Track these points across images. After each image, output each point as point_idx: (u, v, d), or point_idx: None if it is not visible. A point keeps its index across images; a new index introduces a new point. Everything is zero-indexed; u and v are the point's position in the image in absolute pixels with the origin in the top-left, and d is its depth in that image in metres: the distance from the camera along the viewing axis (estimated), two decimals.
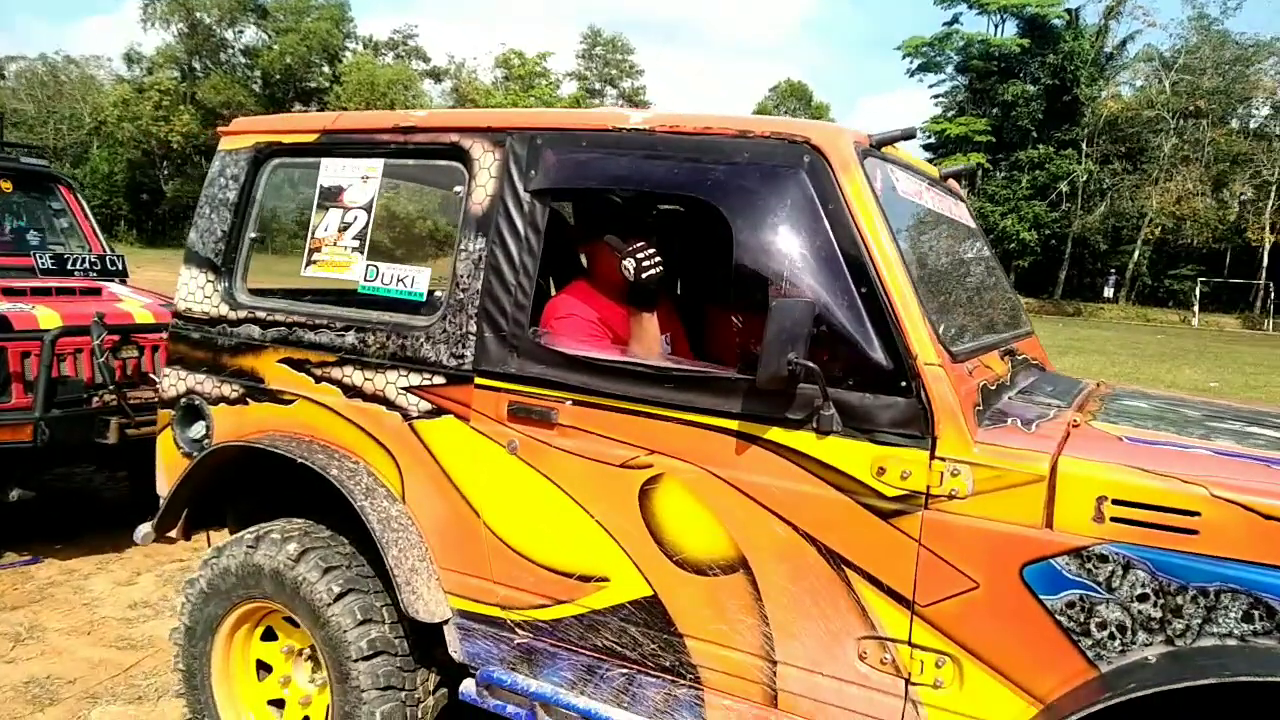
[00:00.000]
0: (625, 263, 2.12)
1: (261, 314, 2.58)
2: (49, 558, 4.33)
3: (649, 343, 2.19)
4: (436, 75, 50.13)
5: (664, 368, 1.97)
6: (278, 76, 44.24)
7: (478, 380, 2.19)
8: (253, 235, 2.69)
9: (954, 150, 39.56)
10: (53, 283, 4.52)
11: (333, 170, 2.54)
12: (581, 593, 2.08)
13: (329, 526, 2.49)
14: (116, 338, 4.07)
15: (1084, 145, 40.08)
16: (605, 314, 2.34)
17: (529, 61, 48.16)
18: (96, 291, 4.59)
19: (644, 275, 2.10)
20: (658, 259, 2.12)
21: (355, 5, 47.40)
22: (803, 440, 1.80)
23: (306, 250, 2.55)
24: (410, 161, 2.46)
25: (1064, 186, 39.58)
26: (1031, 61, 40.60)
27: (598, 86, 55.21)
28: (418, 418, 2.28)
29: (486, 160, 2.26)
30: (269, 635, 2.61)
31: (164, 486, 2.81)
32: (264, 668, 2.62)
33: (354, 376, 2.39)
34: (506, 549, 2.17)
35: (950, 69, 44.26)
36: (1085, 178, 39.49)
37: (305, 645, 2.55)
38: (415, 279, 2.39)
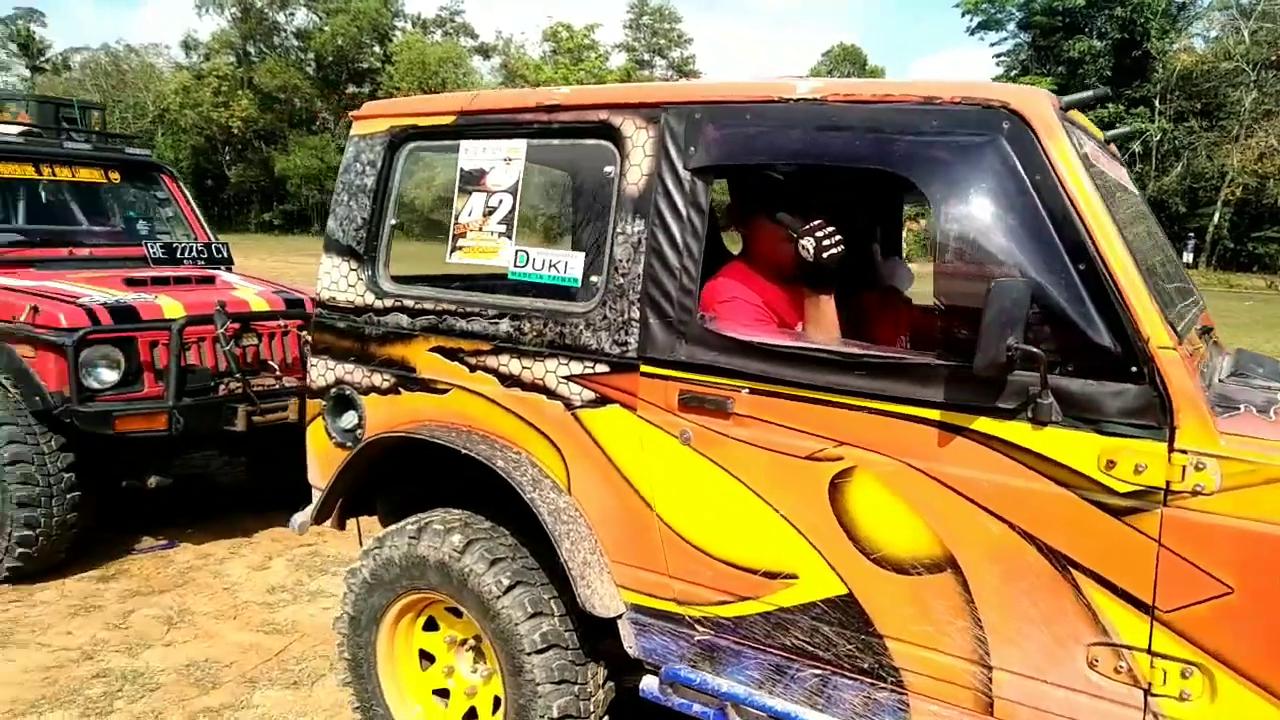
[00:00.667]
0: (804, 242, 2.03)
1: (409, 302, 2.56)
2: (183, 542, 4.45)
3: (827, 326, 2.11)
4: (485, 51, 50.09)
5: (853, 353, 1.89)
6: (330, 58, 44.63)
7: (644, 368, 2.14)
8: (393, 221, 2.66)
9: None
10: (169, 272, 4.60)
11: (473, 153, 2.49)
12: (767, 590, 2.02)
13: (487, 517, 2.48)
14: (237, 326, 4.12)
15: (1156, 103, 38.30)
16: (767, 296, 2.26)
17: (577, 34, 47.78)
18: (210, 280, 4.67)
19: (825, 255, 2.02)
20: (838, 237, 2.03)
21: None
22: (1016, 431, 1.70)
23: (450, 236, 2.52)
24: (555, 141, 2.39)
25: (1136, 147, 37.93)
26: (1098, 15, 38.82)
27: (646, 57, 54.59)
28: (581, 407, 2.24)
29: (640, 138, 2.18)
30: (430, 625, 2.62)
31: (316, 476, 2.83)
32: (426, 657, 2.64)
33: (511, 365, 2.36)
34: (683, 543, 2.12)
35: (1012, 26, 42.64)
36: (1159, 137, 37.76)
37: (468, 636, 2.55)
38: (568, 264, 2.33)
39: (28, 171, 4.74)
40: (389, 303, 2.60)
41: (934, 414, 1.78)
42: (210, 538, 4.53)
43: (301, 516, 2.87)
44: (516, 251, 2.40)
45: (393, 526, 2.56)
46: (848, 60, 54.86)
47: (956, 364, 1.73)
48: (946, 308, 1.77)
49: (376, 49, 46.00)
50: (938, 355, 1.77)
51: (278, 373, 4.34)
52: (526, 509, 2.34)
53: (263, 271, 5.44)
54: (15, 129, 4.96)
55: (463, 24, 49.39)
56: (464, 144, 2.51)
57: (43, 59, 46.56)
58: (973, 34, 43.06)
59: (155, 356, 3.98)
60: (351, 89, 45.09)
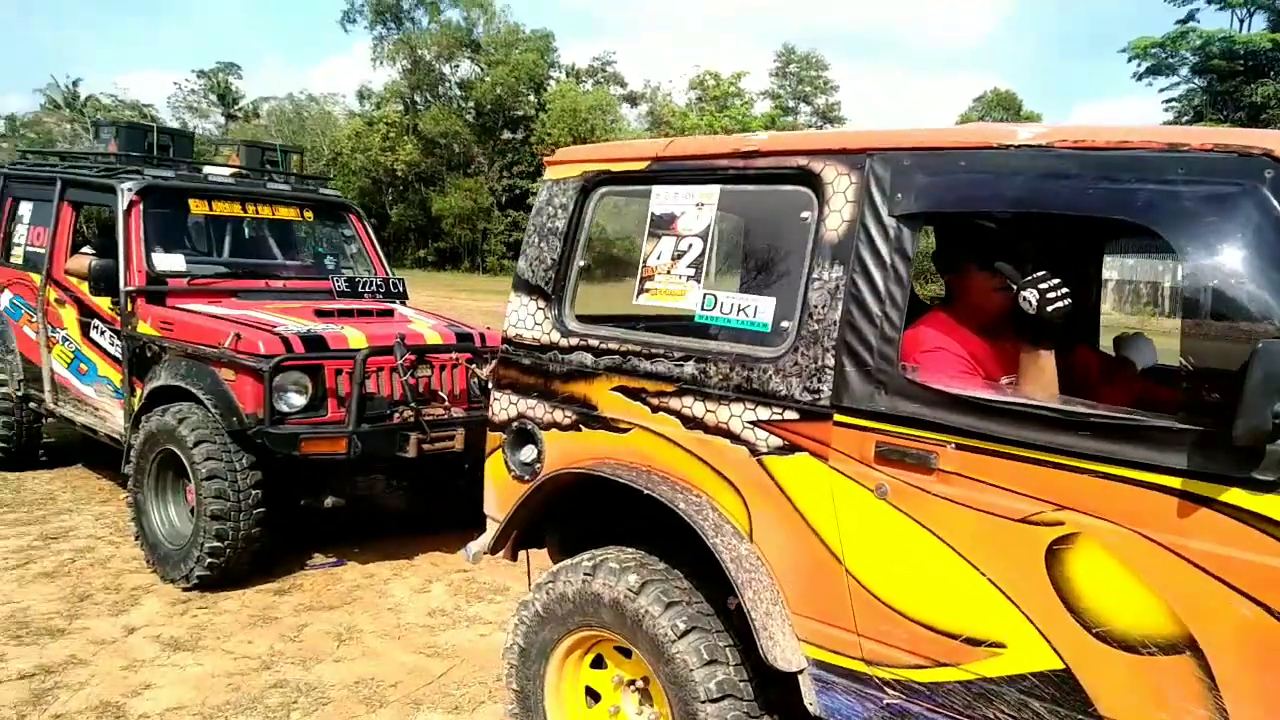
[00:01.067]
0: (1025, 294, 1.93)
1: (594, 341, 2.60)
2: (350, 561, 4.66)
3: (1046, 383, 1.99)
4: (633, 99, 51.47)
5: (1080, 412, 1.76)
6: (489, 106, 46.98)
7: (837, 417, 2.07)
8: (581, 263, 2.72)
9: None
10: (353, 305, 4.89)
11: (665, 198, 2.52)
12: (969, 657, 1.90)
13: (660, 558, 2.46)
14: (413, 357, 4.31)
15: None
16: (971, 348, 2.15)
17: (723, 82, 48.43)
18: (389, 313, 4.93)
19: (1049, 308, 1.90)
20: (1064, 290, 1.92)
21: (558, 35, 49.61)
22: (1274, 505, 1.53)
23: (638, 278, 2.55)
24: (750, 187, 2.39)
25: None
26: None
27: (791, 104, 54.67)
28: (767, 453, 2.19)
29: (841, 184, 2.14)
30: (597, 663, 2.61)
31: (493, 506, 2.90)
32: (592, 695, 2.63)
33: (695, 407, 2.34)
34: (875, 601, 2.03)
35: (1185, 70, 40.14)
36: None
37: (636, 676, 2.53)
38: (758, 308, 2.31)
39: (235, 209, 5.18)
40: (574, 341, 2.64)
41: (1174, 482, 1.63)
42: (375, 558, 4.72)
43: (476, 546, 2.94)
44: (705, 295, 2.39)
45: (567, 562, 2.58)
46: (1001, 106, 53.03)
47: (1204, 429, 1.58)
48: (1195, 368, 1.62)
49: (531, 97, 48.07)
50: (1181, 418, 1.63)
51: (446, 403, 4.51)
52: (701, 553, 2.31)
53: (421, 305, 5.71)
54: (227, 170, 5.44)
55: (613, 73, 50.99)
56: (656, 189, 2.54)
57: (236, 107, 51.32)
58: (1140, 79, 40.82)
59: (339, 384, 4.21)
60: (506, 134, 47.24)
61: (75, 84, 48.01)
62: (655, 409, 2.43)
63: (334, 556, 4.70)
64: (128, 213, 4.64)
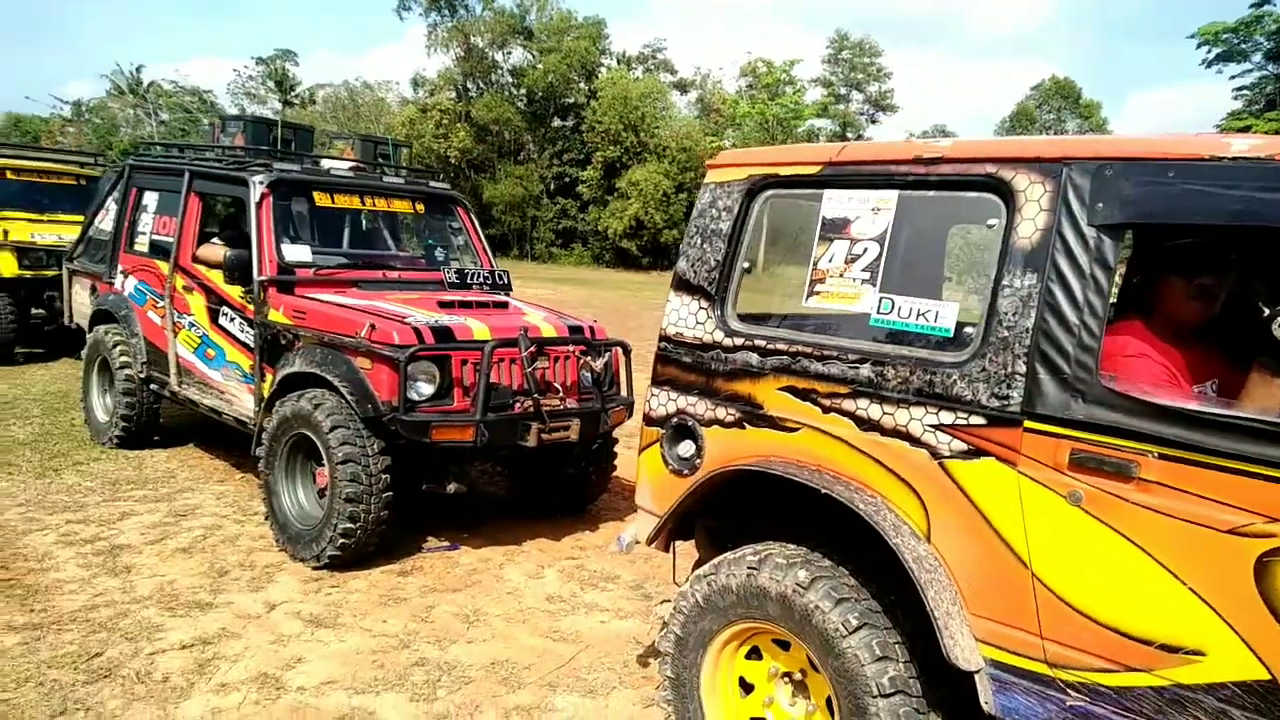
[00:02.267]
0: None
1: (760, 342, 2.66)
2: (463, 545, 4.80)
3: (1276, 405, 2.00)
4: (682, 87, 51.27)
5: None
6: (540, 94, 47.17)
7: (1028, 424, 2.12)
8: (745, 265, 2.79)
9: None
10: (472, 296, 5.02)
11: (837, 202, 2.57)
12: (1163, 663, 1.94)
13: (824, 556, 2.52)
14: (535, 349, 4.43)
15: None
16: (1167, 357, 2.18)
17: (776, 69, 48.02)
18: (504, 305, 5.04)
19: None
20: None
21: (609, 21, 49.57)
22: None
23: (807, 281, 2.61)
24: (931, 193, 2.43)
25: None
26: None
27: (843, 91, 54.11)
28: (950, 457, 2.24)
29: (1034, 192, 2.17)
30: (752, 654, 2.69)
31: (647, 499, 2.98)
32: (744, 686, 2.71)
33: (870, 410, 2.40)
34: (1062, 605, 2.07)
35: (1258, 57, 38.83)
36: None
37: (793, 669, 2.60)
38: (940, 313, 2.35)
39: (354, 202, 5.33)
40: (738, 341, 2.71)
41: None
42: (486, 544, 4.86)
43: (629, 536, 3.03)
44: (880, 298, 2.44)
45: (728, 555, 2.66)
46: (1059, 94, 52.04)
47: None
48: None
49: (582, 84, 48.15)
50: None
51: (561, 395, 4.62)
52: (866, 552, 2.38)
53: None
54: (346, 164, 5.60)
55: (663, 60, 50.84)
56: (827, 193, 2.59)
57: (292, 94, 52.15)
58: (1209, 66, 39.60)
59: (464, 374, 4.34)
60: (556, 122, 47.43)
61: (138, 70, 49.20)
62: (827, 410, 2.49)
63: (447, 541, 4.84)
64: (259, 205, 4.81)
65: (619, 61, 50.67)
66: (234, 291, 4.93)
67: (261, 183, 4.87)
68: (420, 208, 5.70)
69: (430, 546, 4.75)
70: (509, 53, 49.64)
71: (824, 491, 2.38)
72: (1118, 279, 2.44)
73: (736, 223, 2.78)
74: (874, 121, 53.74)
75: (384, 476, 4.22)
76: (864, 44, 53.27)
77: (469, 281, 5.38)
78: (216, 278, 5.05)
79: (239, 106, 52.31)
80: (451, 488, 4.53)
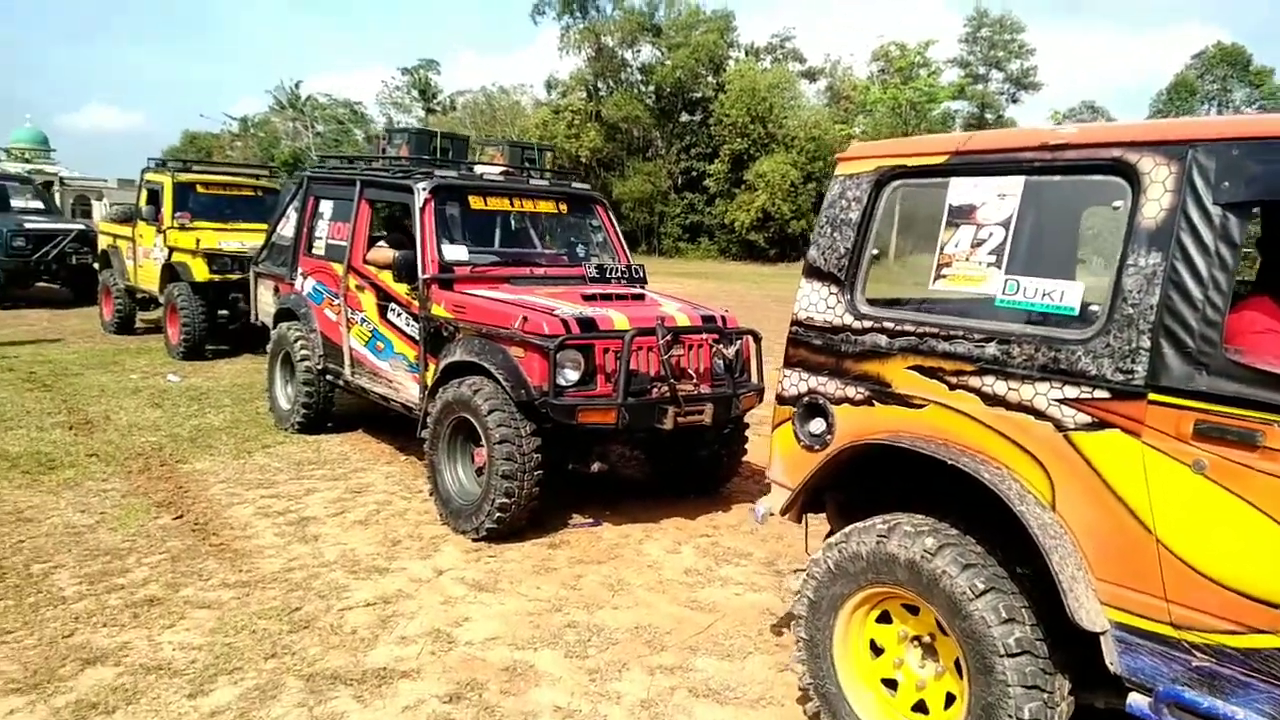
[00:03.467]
0: None
1: (889, 324, 2.82)
2: (605, 522, 5.13)
3: None
4: (812, 75, 50.53)
5: None
6: (668, 90, 47.61)
7: (1153, 396, 2.20)
8: (874, 251, 2.95)
9: None
10: (613, 289, 5.34)
11: (964, 189, 2.70)
12: None
13: (950, 525, 2.66)
14: (670, 337, 4.69)
15: None
16: None
17: (909, 52, 46.64)
18: (641, 297, 5.34)
19: None
20: None
21: (739, 13, 49.55)
22: None
23: (934, 265, 2.75)
24: (1057, 178, 2.53)
25: None
26: None
27: (982, 71, 51.87)
28: (1074, 430, 2.34)
29: (1160, 174, 2.24)
30: (882, 618, 2.86)
31: (779, 473, 3.19)
32: (874, 649, 2.87)
33: (996, 386, 2.52)
34: (1187, 569, 2.15)
35: None
36: None
37: (922, 632, 2.75)
38: (1065, 293, 2.45)
39: (505, 204, 5.77)
40: (867, 324, 2.88)
41: None
42: (626, 521, 5.17)
43: (764, 508, 3.24)
44: (1006, 280, 2.56)
45: (858, 524, 2.83)
46: (1225, 62, 48.07)
47: None
48: None
49: (710, 78, 48.25)
50: None
51: (695, 381, 4.87)
52: (993, 520, 2.50)
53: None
54: (496, 169, 6.05)
55: (792, 49, 50.29)
56: (954, 180, 2.73)
57: (435, 101, 54.76)
58: None
59: (606, 361, 4.66)
60: (684, 117, 47.76)
61: (297, 85, 52.83)
62: (953, 386, 2.63)
63: (590, 518, 5.18)
64: (423, 209, 5.30)
65: (747, 53, 50.44)
66: (401, 289, 5.44)
67: (425, 189, 5.36)
68: (563, 208, 6.08)
69: (576, 523, 5.10)
70: (638, 50, 50.31)
71: (951, 464, 2.53)
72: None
73: (865, 212, 2.94)
74: (1015, 101, 51.26)
75: (536, 455, 4.58)
76: (1004, 20, 50.84)
77: (608, 276, 5.71)
78: (386, 277, 5.58)
79: (386, 116, 55.36)
80: (595, 466, 4.86)
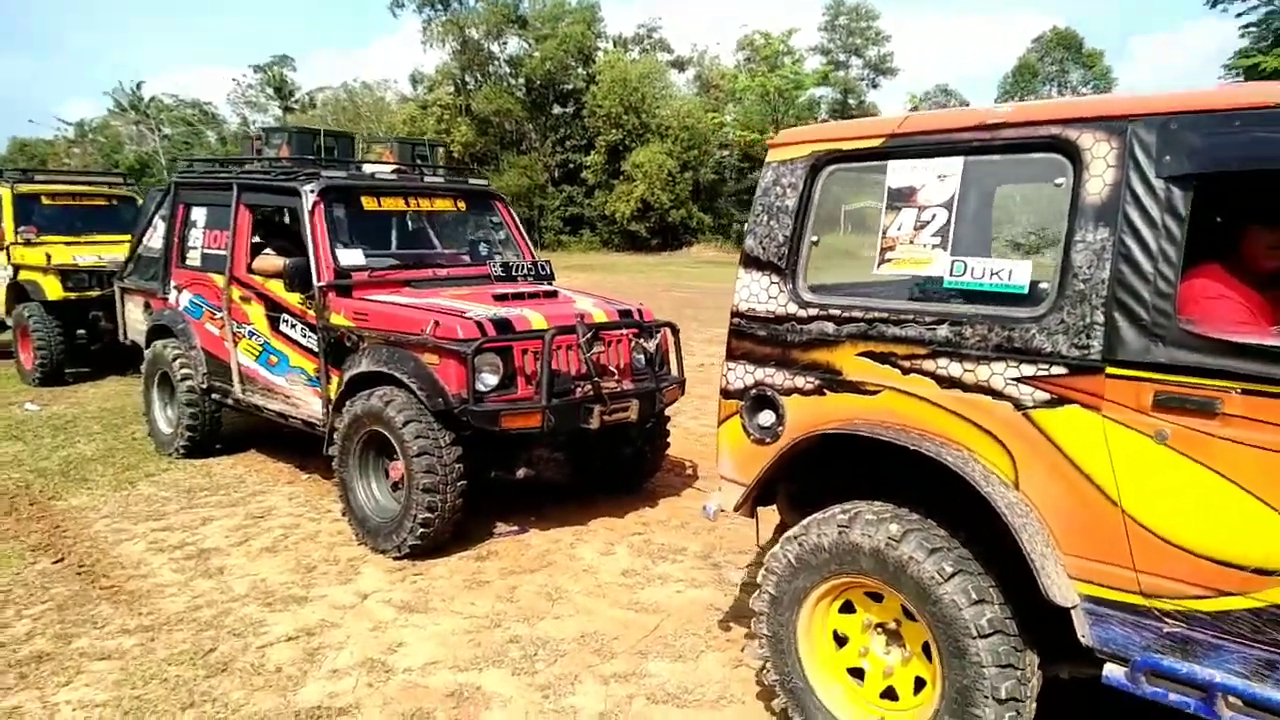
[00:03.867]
0: None
1: (835, 311, 2.78)
2: (531, 529, 4.95)
3: None
4: (680, 65, 51.07)
5: None
6: (539, 82, 47.09)
7: (1110, 370, 2.23)
8: (813, 238, 2.90)
9: None
10: (524, 288, 5.15)
11: (902, 172, 2.68)
12: (1259, 585, 2.06)
13: (910, 510, 2.65)
14: (591, 335, 4.56)
15: None
16: (1247, 299, 2.28)
17: (774, 41, 47.75)
18: (554, 294, 5.17)
19: None
20: None
21: (603, 3, 49.54)
22: None
23: (878, 249, 2.72)
24: (996, 157, 2.54)
25: None
26: None
27: (842, 58, 53.73)
28: (1034, 408, 2.36)
29: (1100, 149, 2.27)
30: (845, 608, 2.83)
31: (730, 468, 3.11)
32: (838, 640, 2.85)
33: (950, 368, 2.52)
34: (1153, 538, 2.19)
35: None
36: None
37: (887, 619, 2.74)
38: (1013, 272, 2.46)
39: (400, 204, 5.47)
40: (812, 312, 2.84)
41: None
42: (553, 525, 5.01)
43: (714, 505, 3.16)
44: (953, 261, 2.56)
45: (817, 516, 2.79)
46: (1062, 45, 51.55)
47: None
48: None
49: (580, 70, 48.03)
50: None
51: (617, 377, 4.75)
52: (953, 503, 2.50)
53: None
54: (388, 167, 5.73)
55: (659, 40, 50.64)
56: (892, 164, 2.70)
57: (293, 99, 52.29)
58: (1214, 5, 39.07)
59: (525, 363, 4.48)
60: (557, 109, 47.38)
61: (138, 86, 49.43)
62: (907, 371, 2.61)
63: (516, 525, 5.00)
64: (312, 212, 4.96)
65: (615, 44, 50.46)
66: (293, 299, 5.08)
67: (313, 191, 5.01)
68: (461, 205, 5.83)
69: (501, 531, 4.91)
70: (505, 43, 49.52)
71: (912, 449, 2.51)
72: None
73: (802, 198, 2.89)
74: (875, 86, 53.35)
75: (457, 466, 4.37)
76: (860, 8, 52.81)
77: (514, 274, 5.51)
78: (275, 287, 5.21)
79: (240, 116, 52.49)
80: (521, 473, 4.68)
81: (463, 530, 4.68)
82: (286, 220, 6.09)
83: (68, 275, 8.47)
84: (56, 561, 4.42)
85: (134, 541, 4.71)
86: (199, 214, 5.97)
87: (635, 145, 40.63)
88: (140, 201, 10.10)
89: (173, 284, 6.16)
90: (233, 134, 48.51)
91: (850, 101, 50.72)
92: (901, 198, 2.68)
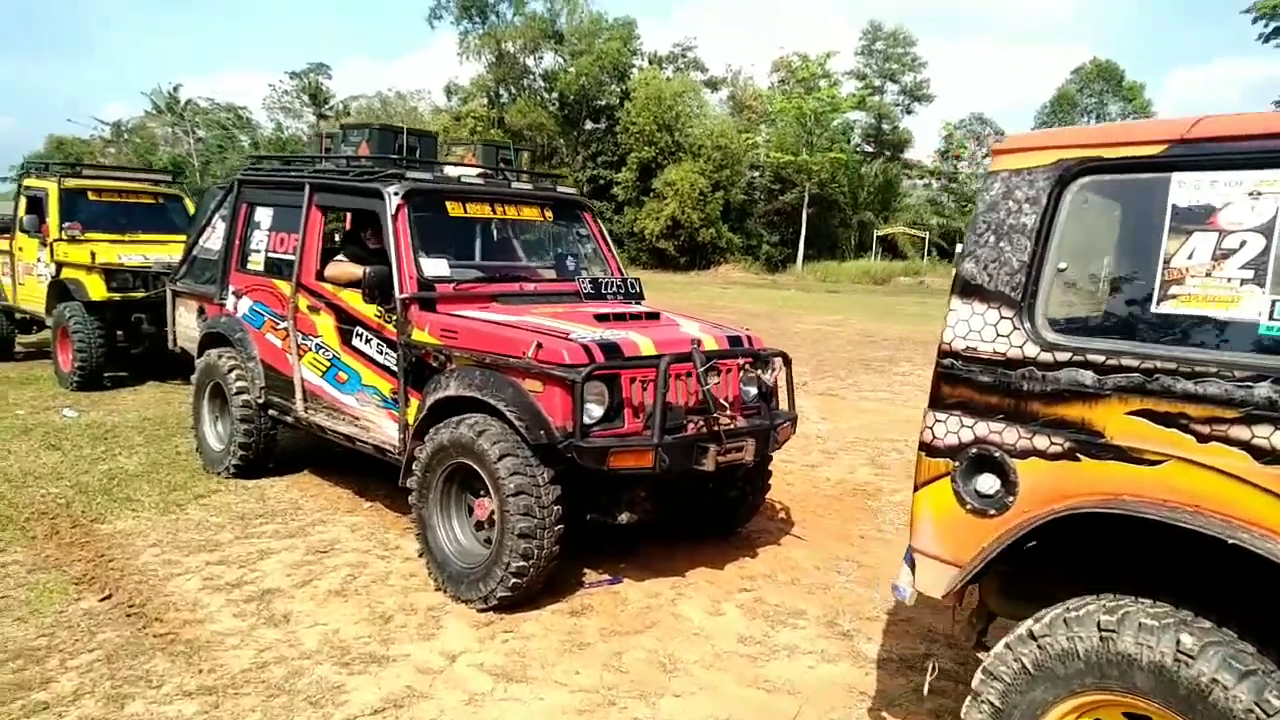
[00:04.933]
0: None
1: (1096, 356, 2.24)
2: (624, 578, 4.40)
3: None
4: (714, 85, 50.86)
5: None
6: (573, 97, 47.02)
7: None
8: (1061, 265, 2.37)
9: None
10: (622, 308, 4.63)
11: (1195, 187, 2.15)
12: None
13: (1192, 612, 2.10)
14: (708, 364, 4.02)
15: None
16: None
17: (811, 63, 47.49)
18: (655, 316, 4.65)
19: None
20: None
21: (640, 21, 49.41)
22: None
23: (1159, 281, 2.18)
24: None
25: None
26: None
27: (878, 83, 53.39)
28: None
29: None
30: None
31: (930, 542, 2.56)
32: None
33: (1275, 438, 1.97)
34: None
35: None
36: None
37: None
38: None
39: (486, 210, 4.97)
40: (1060, 356, 2.29)
41: None
42: (647, 575, 4.46)
43: (908, 587, 2.61)
44: (1275, 301, 2.01)
45: (1057, 611, 2.24)
46: (1101, 77, 51.05)
47: None
48: None
49: (615, 86, 47.98)
50: None
51: (731, 412, 4.21)
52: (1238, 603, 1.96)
53: None
54: (475, 171, 5.24)
55: (694, 59, 50.48)
56: (1177, 176, 2.17)
57: (326, 106, 52.38)
58: (1267, 41, 38.35)
59: (634, 393, 3.95)
60: (590, 125, 47.24)
61: (176, 89, 49.63)
62: (1205, 439, 2.06)
63: (607, 574, 4.46)
64: (395, 216, 4.46)
65: (650, 62, 50.39)
66: (369, 311, 4.59)
67: (397, 194, 4.52)
68: (549, 214, 5.32)
69: (592, 581, 4.37)
70: (540, 57, 49.63)
71: (1231, 542, 1.95)
72: None
73: (1045, 215, 2.36)
74: (909, 112, 52.95)
75: (556, 508, 3.84)
76: (897, 34, 52.49)
77: (604, 292, 5.01)
78: (348, 297, 4.72)
79: (274, 121, 52.68)
80: (625, 518, 4.15)
81: (551, 578, 4.14)
82: (348, 226, 5.63)
83: (112, 275, 8.03)
84: (104, 598, 3.91)
85: (187, 577, 4.19)
86: (264, 215, 5.49)
87: (667, 163, 40.30)
88: (186, 200, 9.70)
89: (231, 289, 5.69)
90: (266, 139, 48.56)
91: (884, 126, 50.32)
92: (1193, 219, 2.14)
